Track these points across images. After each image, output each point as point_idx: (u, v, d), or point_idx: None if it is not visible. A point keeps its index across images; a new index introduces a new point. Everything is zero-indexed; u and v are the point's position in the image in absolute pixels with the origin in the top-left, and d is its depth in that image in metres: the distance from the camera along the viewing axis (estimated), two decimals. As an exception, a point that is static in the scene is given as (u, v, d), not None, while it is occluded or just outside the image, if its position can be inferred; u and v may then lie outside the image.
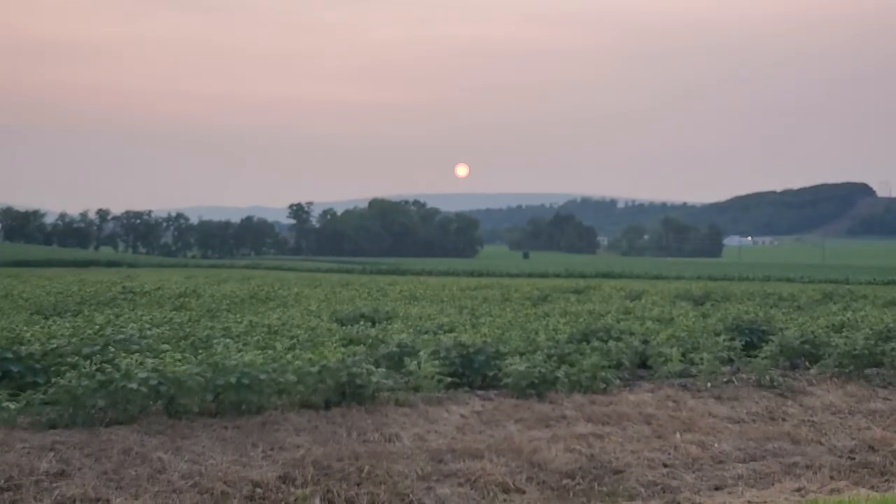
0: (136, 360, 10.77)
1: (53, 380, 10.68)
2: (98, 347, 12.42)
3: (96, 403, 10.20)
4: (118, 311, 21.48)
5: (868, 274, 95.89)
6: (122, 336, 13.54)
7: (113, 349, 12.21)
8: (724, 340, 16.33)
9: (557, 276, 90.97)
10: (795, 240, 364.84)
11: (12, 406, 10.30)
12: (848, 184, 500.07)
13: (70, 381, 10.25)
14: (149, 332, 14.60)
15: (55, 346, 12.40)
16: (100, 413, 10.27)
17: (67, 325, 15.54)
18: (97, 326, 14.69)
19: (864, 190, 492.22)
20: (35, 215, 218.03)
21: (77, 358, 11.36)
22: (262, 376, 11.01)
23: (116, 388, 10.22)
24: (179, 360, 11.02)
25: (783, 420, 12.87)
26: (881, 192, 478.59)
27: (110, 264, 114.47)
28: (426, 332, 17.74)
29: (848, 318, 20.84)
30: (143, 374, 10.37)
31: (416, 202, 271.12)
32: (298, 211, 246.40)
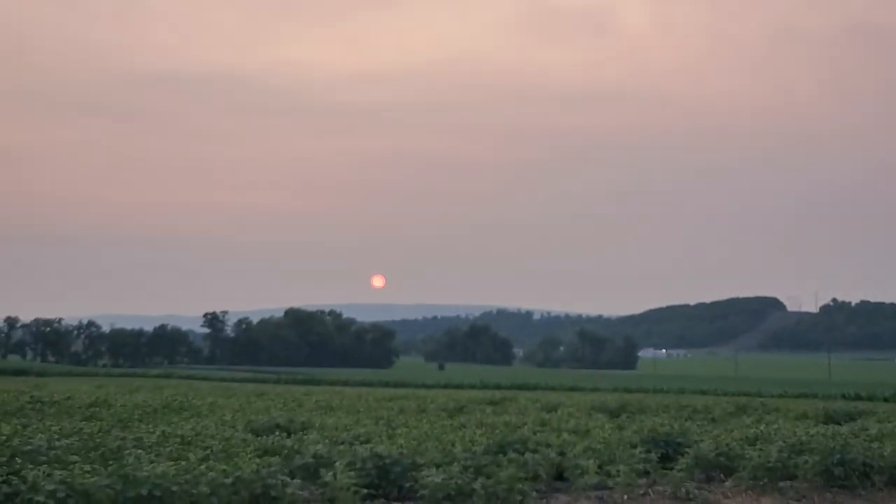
0: (44, 472, 10.50)
1: (-42, 492, 10.37)
2: (4, 458, 12.12)
3: (2, 516, 9.96)
4: (26, 422, 20.95)
5: (780, 387, 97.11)
6: (29, 447, 13.20)
7: (20, 460, 11.90)
8: (640, 452, 16.35)
9: (473, 387, 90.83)
10: (708, 352, 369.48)
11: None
12: (759, 298, 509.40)
13: (-26, 493, 9.99)
14: (57, 443, 14.24)
15: (-40, 456, 12.06)
16: (5, 526, 10.01)
17: (-27, 435, 15.11)
18: (4, 437, 14.29)
19: (774, 304, 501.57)
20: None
21: (-18, 469, 11.06)
22: (175, 488, 10.79)
23: (23, 501, 9.97)
24: (89, 472, 10.77)
25: (699, 532, 12.88)
26: (791, 307, 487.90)
27: (18, 373, 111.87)
28: (342, 443, 17.56)
29: (761, 431, 21.02)
30: (50, 487, 10.10)
31: (331, 312, 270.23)
32: (213, 320, 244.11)
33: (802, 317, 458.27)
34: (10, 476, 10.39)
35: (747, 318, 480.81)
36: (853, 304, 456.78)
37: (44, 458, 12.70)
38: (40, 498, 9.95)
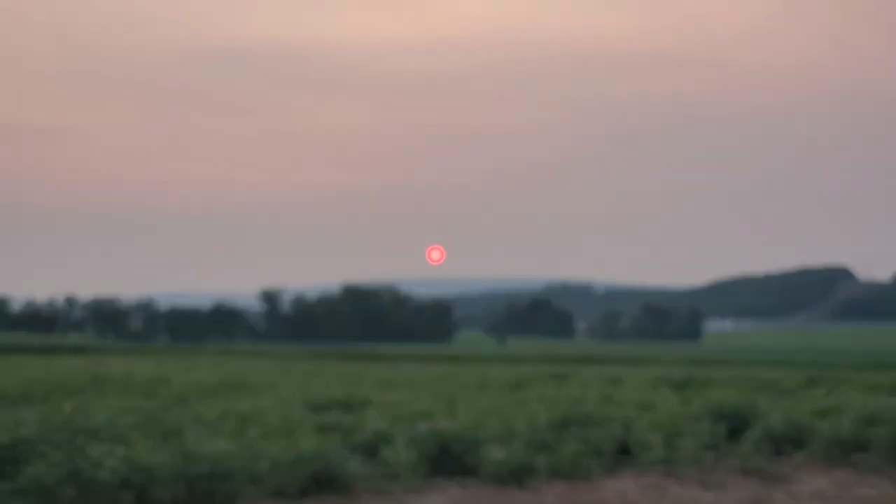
0: (106, 449, 10.52)
1: (22, 469, 10.39)
2: (67, 436, 12.12)
3: (66, 493, 9.96)
4: (87, 399, 21.08)
5: (851, 358, 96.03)
6: (91, 424, 13.21)
7: (82, 438, 11.92)
8: (707, 426, 16.08)
9: (535, 361, 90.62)
10: (776, 324, 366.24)
11: (-21, 498, 10.01)
12: (828, 267, 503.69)
13: (39, 471, 10.00)
14: (119, 421, 14.24)
15: (23, 434, 12.06)
16: (70, 503, 9.99)
17: (35, 413, 15.16)
18: (66, 414, 14.33)
19: (844, 273, 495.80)
20: (1, 302, 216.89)
21: (45, 447, 11.08)
22: (235, 465, 10.76)
23: (86, 478, 9.98)
24: (150, 449, 10.77)
25: (769, 508, 12.64)
26: (862, 276, 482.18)
27: (78, 351, 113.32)
28: (402, 419, 17.41)
29: (832, 403, 20.63)
30: (112, 463, 10.14)
31: (389, 287, 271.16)
32: (269, 296, 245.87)
33: (874, 286, 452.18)
34: (73, 453, 10.41)
35: (817, 288, 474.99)
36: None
37: (105, 436, 12.70)
38: (103, 474, 9.99)
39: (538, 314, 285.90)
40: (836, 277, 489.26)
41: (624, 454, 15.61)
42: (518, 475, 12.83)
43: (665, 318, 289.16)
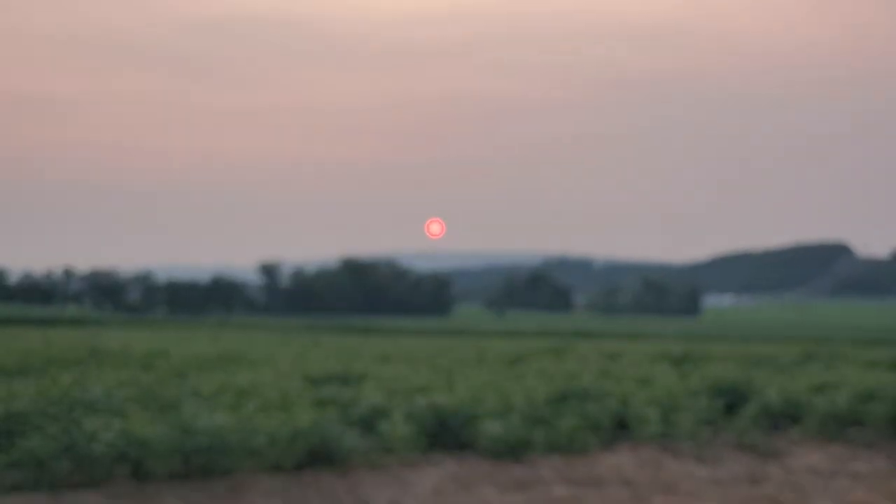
0: (103, 422, 10.52)
1: (17, 442, 10.37)
2: (63, 409, 12.11)
3: (61, 467, 9.95)
4: (84, 372, 21.09)
5: (848, 334, 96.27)
6: (88, 397, 13.18)
7: (79, 410, 11.92)
8: (704, 401, 16.11)
9: (533, 335, 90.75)
10: (774, 299, 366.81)
11: (-26, 469, 10.02)
12: (826, 243, 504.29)
13: (34, 444, 9.99)
14: (116, 393, 14.23)
15: (19, 407, 12.05)
16: (65, 476, 10.01)
17: (32, 385, 15.18)
18: (62, 387, 14.34)
19: (842, 249, 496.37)
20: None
21: (42, 419, 11.08)
22: (232, 438, 10.76)
23: (82, 451, 9.98)
24: (147, 422, 10.77)
25: (765, 482, 12.70)
26: (860, 252, 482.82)
27: (76, 323, 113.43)
28: (400, 394, 17.43)
29: (829, 379, 20.67)
30: (109, 436, 10.13)
31: (388, 261, 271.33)
32: (268, 269, 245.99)
33: (872, 262, 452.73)
34: (69, 426, 10.41)
35: (815, 264, 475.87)
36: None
37: (102, 408, 12.69)
38: (99, 447, 10.00)
39: (537, 288, 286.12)
40: (834, 253, 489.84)
41: (621, 429, 15.65)
42: (515, 449, 12.86)
43: (664, 293, 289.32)
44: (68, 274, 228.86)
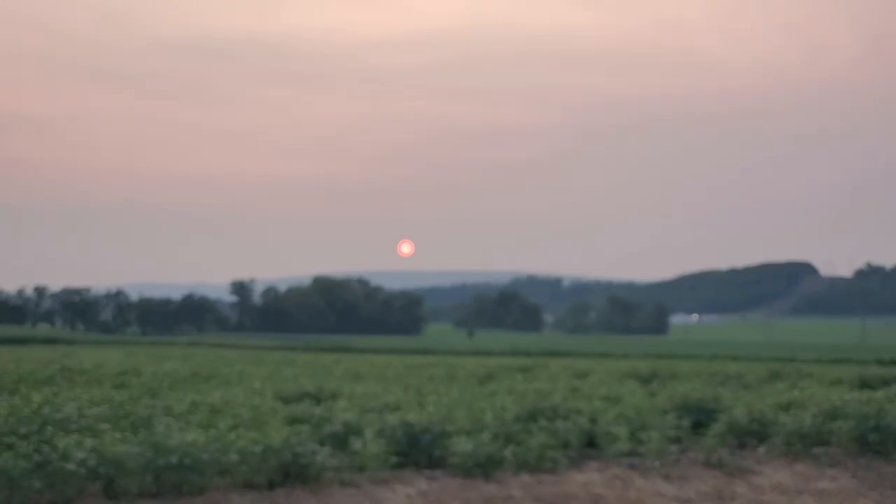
0: (75, 441, 10.52)
1: (-11, 460, 10.34)
2: (35, 427, 12.09)
3: (33, 485, 9.93)
4: (56, 390, 20.97)
5: (813, 352, 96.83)
6: (60, 415, 13.15)
7: (51, 429, 11.90)
8: (672, 419, 16.26)
9: (503, 354, 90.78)
10: (740, 318, 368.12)
11: (-55, 488, 9.99)
12: (791, 263, 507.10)
13: (6, 462, 9.97)
14: (88, 412, 14.21)
15: (-9, 425, 12.03)
16: (36, 495, 10.01)
17: (4, 404, 15.13)
18: (34, 405, 14.30)
19: (807, 269, 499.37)
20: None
21: (13, 438, 11.07)
22: (205, 456, 10.80)
23: (54, 470, 9.98)
24: (119, 440, 10.79)
25: (732, 500, 12.83)
26: (824, 271, 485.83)
27: (48, 342, 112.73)
28: (371, 411, 17.51)
29: (795, 397, 20.88)
30: (81, 455, 10.14)
31: (359, 280, 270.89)
32: (240, 288, 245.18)
33: (836, 281, 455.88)
34: (41, 444, 10.40)
35: (780, 283, 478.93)
36: (888, 268, 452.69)
37: (74, 427, 12.68)
38: (71, 466, 9.98)
39: (506, 307, 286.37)
40: (798, 272, 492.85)
41: (590, 447, 15.78)
42: (485, 467, 12.96)
43: (632, 311, 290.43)
44: (40, 292, 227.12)
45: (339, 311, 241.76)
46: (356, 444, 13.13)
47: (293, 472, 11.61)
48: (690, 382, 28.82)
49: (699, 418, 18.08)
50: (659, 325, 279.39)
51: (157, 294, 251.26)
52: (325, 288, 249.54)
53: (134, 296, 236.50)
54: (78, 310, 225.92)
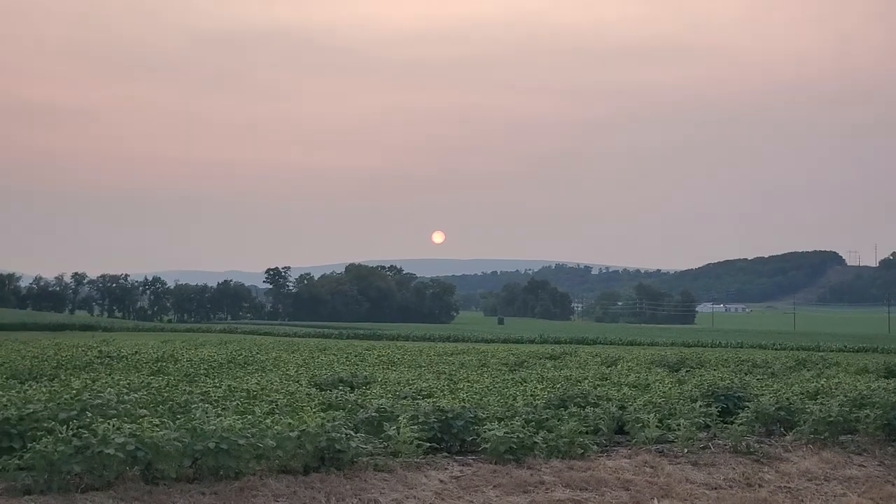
0: (114, 425, 10.60)
1: (29, 445, 10.48)
2: (75, 412, 12.24)
3: (72, 469, 9.99)
4: (95, 376, 21.31)
5: (839, 341, 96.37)
6: (98, 401, 13.34)
7: (90, 414, 12.05)
8: (700, 406, 16.35)
9: (533, 341, 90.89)
10: (767, 307, 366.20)
11: (-12, 472, 10.20)
12: (818, 252, 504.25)
13: (46, 447, 10.05)
14: (126, 397, 14.45)
15: (31, 410, 12.11)
16: (76, 479, 10.09)
17: (43, 389, 15.40)
18: (74, 391, 14.52)
19: (833, 258, 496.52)
20: (10, 279, 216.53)
21: (53, 423, 11.21)
22: (241, 441, 10.93)
23: (93, 454, 10.06)
24: (157, 425, 10.93)
25: (760, 486, 12.91)
26: (850, 261, 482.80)
27: (86, 328, 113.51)
28: (405, 397, 17.74)
29: (822, 385, 20.94)
30: (120, 440, 10.21)
31: (392, 267, 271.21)
32: (275, 276, 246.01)
33: (862, 271, 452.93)
34: (80, 429, 10.50)
35: (806, 273, 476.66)
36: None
37: (113, 412, 12.85)
38: (110, 451, 10.07)
39: (536, 295, 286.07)
40: (825, 262, 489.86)
41: (620, 433, 15.92)
42: (517, 453, 13.11)
43: (659, 300, 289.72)
44: (78, 280, 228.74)
45: (371, 298, 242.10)
46: (390, 429, 13.32)
47: (328, 458, 11.78)
48: (718, 370, 28.90)
49: (727, 406, 18.20)
50: (686, 314, 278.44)
51: (193, 282, 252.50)
52: (358, 276, 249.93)
53: (170, 283, 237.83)
54: (115, 297, 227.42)
